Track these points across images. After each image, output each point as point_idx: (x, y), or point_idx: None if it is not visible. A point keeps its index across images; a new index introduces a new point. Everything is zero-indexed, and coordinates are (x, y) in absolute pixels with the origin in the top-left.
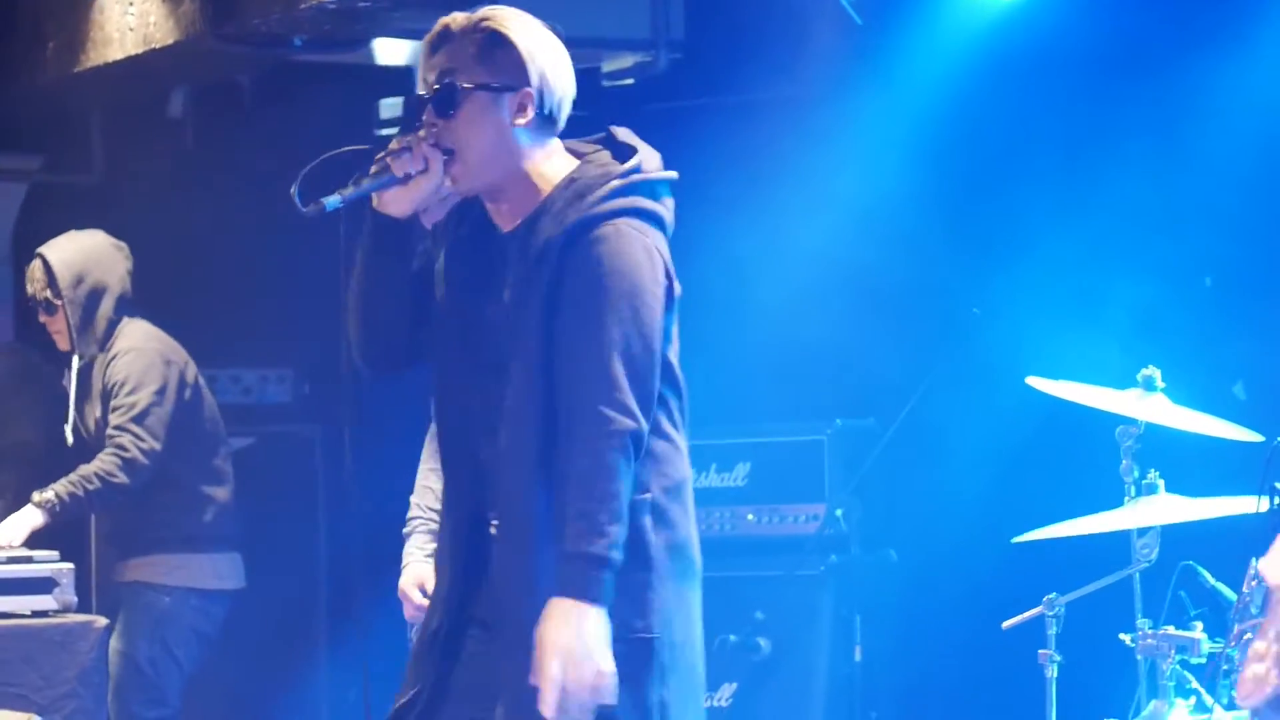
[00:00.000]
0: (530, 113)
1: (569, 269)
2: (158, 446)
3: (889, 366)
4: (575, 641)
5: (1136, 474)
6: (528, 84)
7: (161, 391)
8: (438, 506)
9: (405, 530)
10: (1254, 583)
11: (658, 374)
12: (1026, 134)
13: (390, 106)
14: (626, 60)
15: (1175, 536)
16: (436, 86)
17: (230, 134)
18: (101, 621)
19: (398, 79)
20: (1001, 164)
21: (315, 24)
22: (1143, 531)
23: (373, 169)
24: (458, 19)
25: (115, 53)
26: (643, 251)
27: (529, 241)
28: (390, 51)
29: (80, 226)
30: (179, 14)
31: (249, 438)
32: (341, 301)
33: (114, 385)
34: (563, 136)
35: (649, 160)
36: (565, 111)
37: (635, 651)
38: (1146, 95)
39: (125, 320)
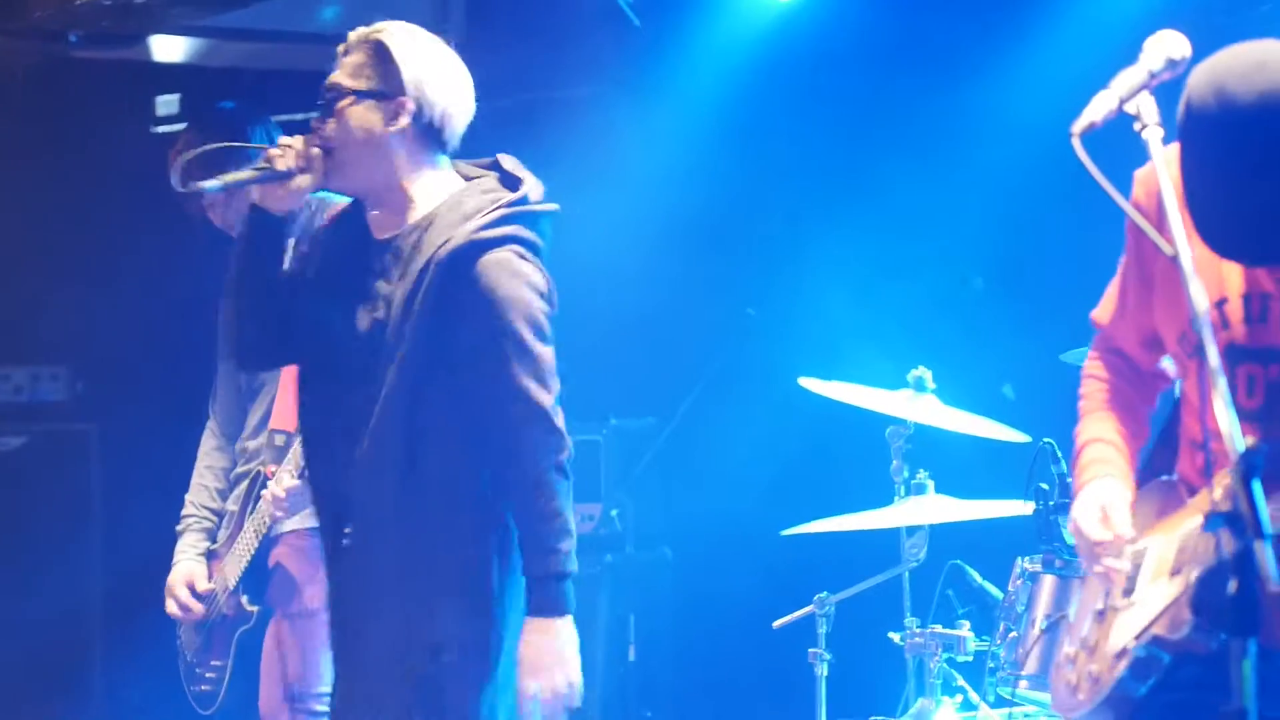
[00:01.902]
0: (404, 121)
1: (464, 292)
2: None
3: (665, 366)
4: (545, 656)
5: (906, 474)
6: (403, 94)
7: None
8: (213, 505)
9: (179, 528)
10: (1019, 581)
11: None
12: (802, 137)
13: (166, 103)
14: None
15: (944, 536)
16: (321, 92)
17: (4, 129)
18: None
19: (174, 75)
20: (778, 166)
21: (92, 19)
22: (912, 531)
23: (258, 163)
24: (361, 32)
25: None
26: (539, 277)
27: (405, 255)
28: (166, 48)
29: None
30: None
31: (22, 437)
32: (113, 298)
33: None
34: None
35: (534, 191)
36: (454, 129)
37: None
38: (920, 98)
39: None
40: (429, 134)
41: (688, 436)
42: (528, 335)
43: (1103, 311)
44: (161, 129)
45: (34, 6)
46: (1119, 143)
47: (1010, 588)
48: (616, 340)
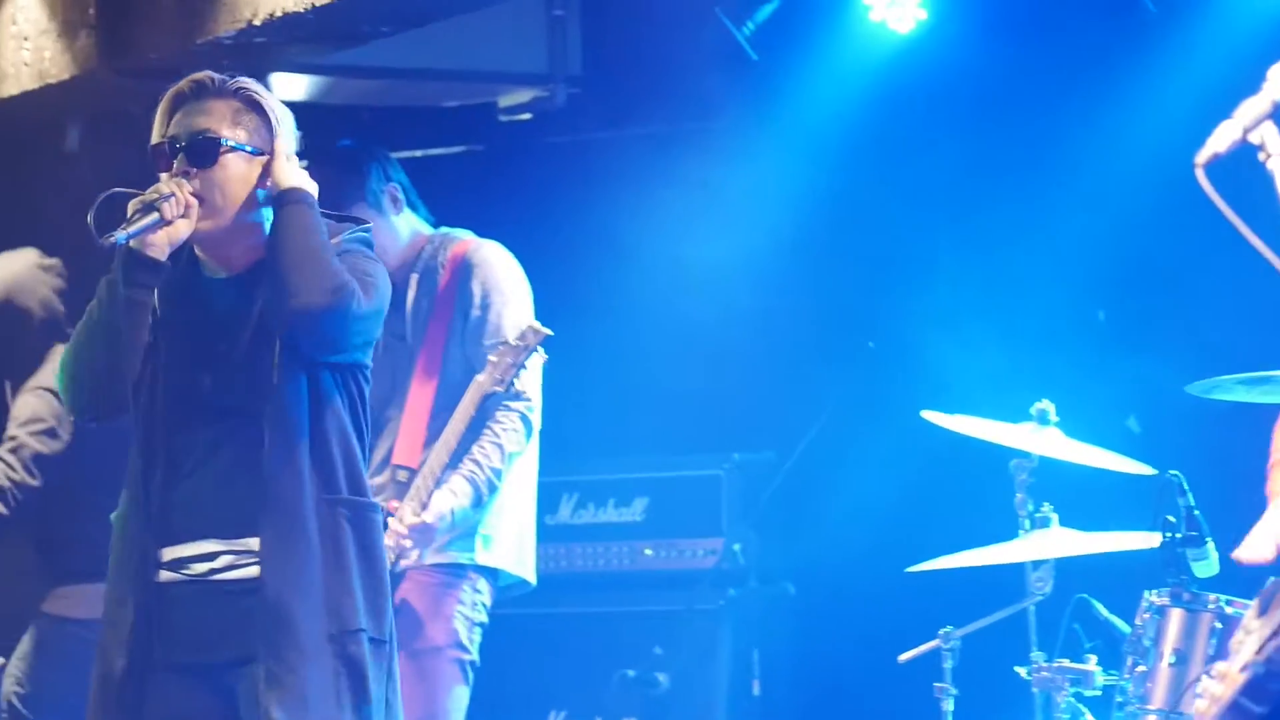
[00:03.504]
0: (269, 178)
1: None
2: (34, 483)
3: (786, 400)
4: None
5: (1031, 507)
6: (272, 149)
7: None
8: None
9: None
10: (1147, 615)
11: None
12: (923, 168)
13: None
14: (524, 95)
15: (1069, 569)
16: (192, 135)
17: (127, 167)
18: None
19: (294, 113)
20: (898, 198)
21: (212, 59)
22: (1037, 565)
23: (140, 211)
24: (211, 77)
25: (10, 88)
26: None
27: (246, 296)
28: (285, 86)
29: None
30: (75, 49)
31: None
32: None
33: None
34: (461, 172)
35: (365, 221)
36: None
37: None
38: (1043, 129)
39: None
40: (274, 189)
41: (809, 471)
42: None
43: None
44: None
45: (151, 47)
46: (1244, 173)
47: (1138, 621)
48: (737, 375)
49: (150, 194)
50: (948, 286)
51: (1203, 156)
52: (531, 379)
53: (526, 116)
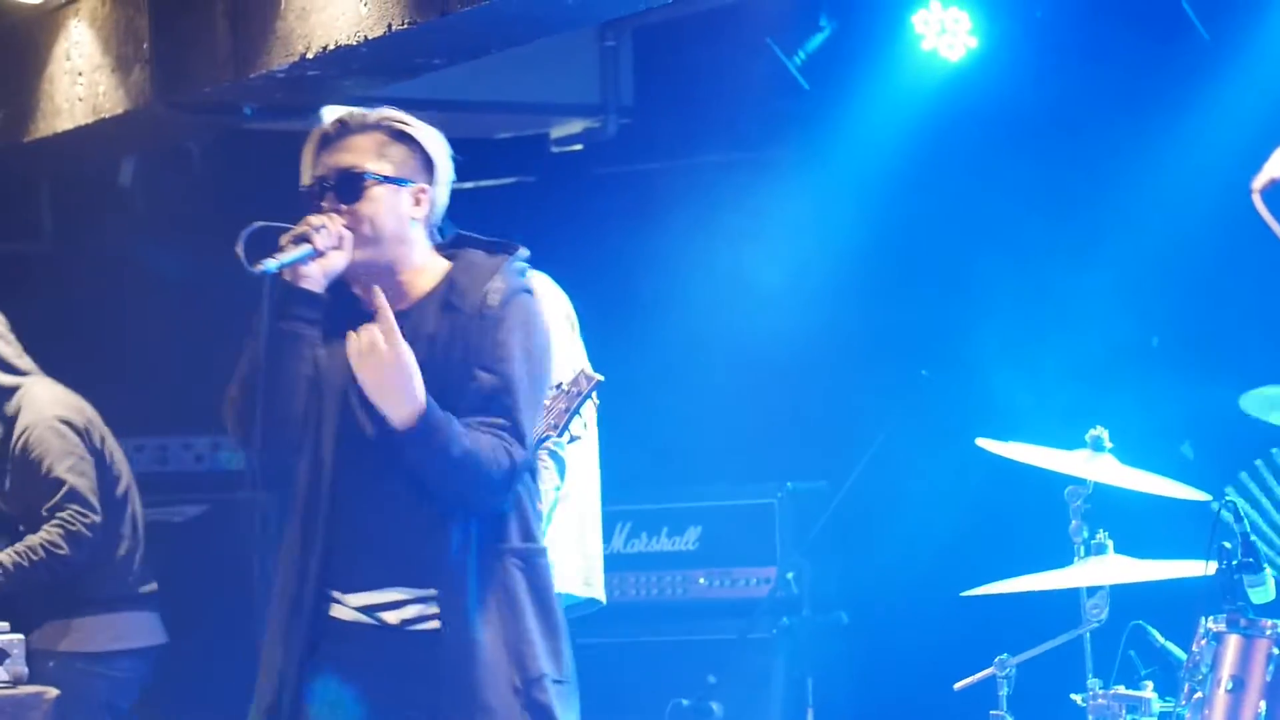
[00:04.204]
0: (425, 207)
1: (495, 335)
2: (99, 518)
3: (839, 429)
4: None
5: (1086, 534)
6: (426, 181)
7: (81, 460)
8: None
9: None
10: (1203, 641)
11: None
12: (973, 196)
13: None
14: (575, 126)
15: (1124, 596)
16: (339, 173)
17: (180, 201)
18: (53, 693)
19: None
20: (949, 226)
21: (265, 92)
22: (1092, 591)
23: (292, 242)
24: (354, 114)
25: (65, 123)
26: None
27: (421, 323)
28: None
29: (31, 295)
30: (129, 84)
31: (202, 505)
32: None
33: (31, 462)
34: (513, 203)
35: (522, 248)
36: (441, 211)
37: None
38: (1093, 156)
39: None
40: (434, 215)
41: (863, 499)
42: (538, 373)
43: None
44: None
45: (205, 81)
46: None
47: (1194, 648)
48: (790, 403)
49: (301, 226)
50: (1001, 314)
51: (1260, 182)
52: (584, 423)
53: (578, 147)
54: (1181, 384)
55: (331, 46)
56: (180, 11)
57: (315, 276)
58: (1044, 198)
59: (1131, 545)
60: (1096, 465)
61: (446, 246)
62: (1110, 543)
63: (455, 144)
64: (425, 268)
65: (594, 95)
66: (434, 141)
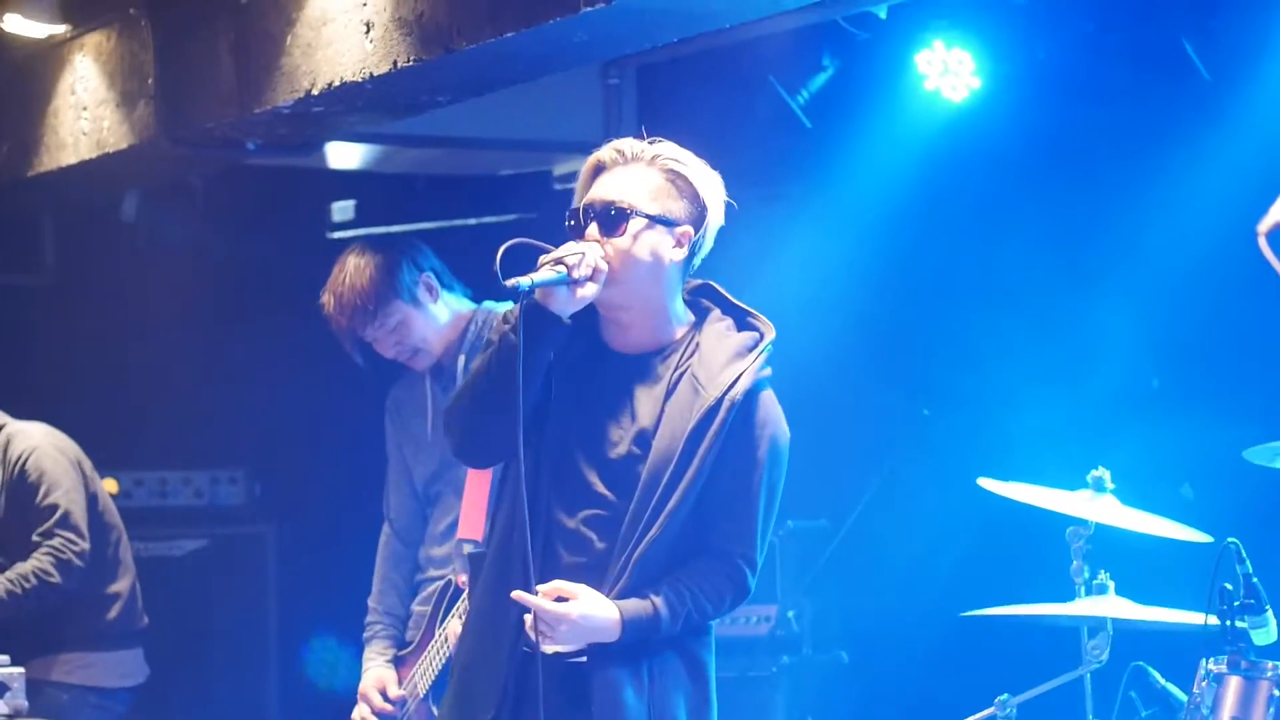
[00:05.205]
0: (685, 250)
1: (744, 429)
2: (87, 546)
3: (841, 467)
4: (586, 626)
5: (1087, 574)
6: (692, 225)
7: (75, 488)
8: (398, 611)
9: (366, 635)
10: (1204, 683)
11: None
12: (975, 235)
13: (342, 209)
14: (579, 163)
15: (1125, 636)
16: (605, 205)
17: (183, 236)
18: None
19: (350, 182)
20: (951, 266)
21: (269, 128)
22: (1093, 632)
23: (549, 265)
24: (632, 145)
25: (69, 157)
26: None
27: (664, 377)
28: (343, 155)
29: (33, 328)
30: (133, 119)
31: (202, 540)
32: (289, 403)
33: (28, 486)
34: (508, 240)
35: (771, 329)
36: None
37: None
38: (1095, 197)
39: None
40: (693, 259)
41: (864, 538)
42: (778, 479)
43: None
44: (337, 234)
45: (209, 117)
46: None
47: (1195, 689)
48: (792, 441)
49: (562, 251)
50: (1003, 353)
51: (1265, 225)
52: None
53: None
54: (1182, 426)
55: (336, 83)
56: (185, 47)
57: (563, 302)
58: (1046, 238)
59: (1133, 586)
60: (1098, 506)
61: (691, 292)
62: (1111, 583)
63: (459, 180)
64: (671, 315)
65: (598, 133)
66: (709, 185)
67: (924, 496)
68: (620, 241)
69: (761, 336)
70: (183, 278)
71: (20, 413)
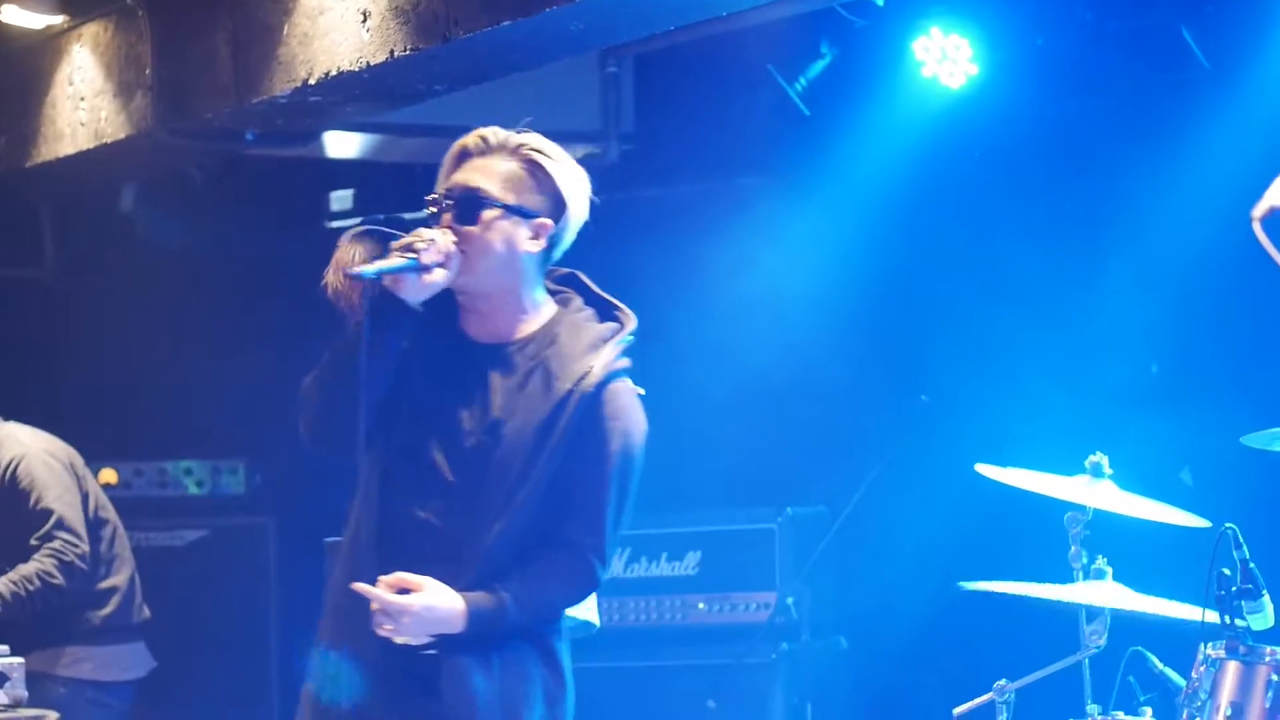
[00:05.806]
0: (543, 241)
1: (595, 421)
2: (87, 548)
3: (839, 454)
4: (430, 618)
5: (1085, 560)
6: (550, 216)
7: (67, 491)
8: None
9: None
10: (1203, 668)
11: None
12: (974, 222)
13: (341, 199)
14: (577, 152)
15: (1124, 622)
16: (462, 192)
17: (181, 226)
18: (52, 716)
19: (348, 171)
20: (949, 252)
21: (267, 118)
22: (1091, 617)
23: (398, 252)
24: (497, 134)
25: (67, 148)
26: (642, 412)
27: (521, 367)
28: (341, 145)
29: (32, 319)
30: (130, 109)
31: (202, 530)
32: (289, 392)
33: (19, 493)
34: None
35: (632, 320)
36: (564, 248)
37: None
38: (1093, 183)
39: None
40: (552, 251)
41: (863, 525)
42: (630, 471)
43: None
44: (335, 224)
45: (207, 107)
46: None
47: (1193, 674)
48: (790, 429)
49: (411, 238)
50: (1001, 339)
51: (1260, 210)
52: None
53: None
54: (1181, 412)
55: (334, 72)
56: (183, 37)
57: (413, 289)
58: (1044, 224)
59: (1131, 571)
60: (1096, 491)
61: (556, 280)
62: (1109, 569)
63: None
64: (529, 305)
65: (596, 122)
66: (571, 179)
67: (922, 483)
68: (474, 229)
69: (621, 327)
70: (181, 267)
71: (20, 404)
